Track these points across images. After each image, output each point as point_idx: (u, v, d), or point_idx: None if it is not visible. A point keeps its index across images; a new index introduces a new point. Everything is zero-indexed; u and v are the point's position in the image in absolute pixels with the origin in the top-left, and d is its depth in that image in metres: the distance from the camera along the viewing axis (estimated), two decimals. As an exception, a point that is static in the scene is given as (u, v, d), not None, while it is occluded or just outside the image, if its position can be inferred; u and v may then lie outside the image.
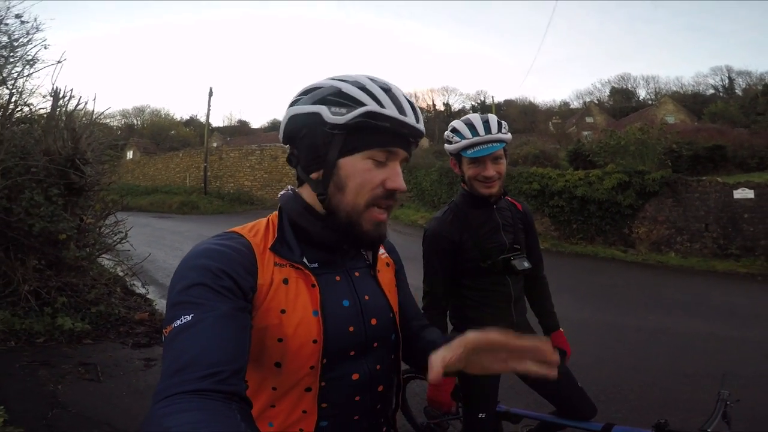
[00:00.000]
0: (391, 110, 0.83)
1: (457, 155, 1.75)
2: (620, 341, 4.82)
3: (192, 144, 36.51)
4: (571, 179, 11.14)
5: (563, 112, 49.82)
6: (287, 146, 0.93)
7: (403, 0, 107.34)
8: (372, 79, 0.87)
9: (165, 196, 22.66)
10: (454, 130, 1.73)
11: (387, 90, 0.85)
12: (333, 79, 0.88)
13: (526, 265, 1.77)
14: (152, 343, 4.24)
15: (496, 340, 0.79)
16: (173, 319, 0.69)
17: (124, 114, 54.05)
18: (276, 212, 0.93)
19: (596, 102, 50.23)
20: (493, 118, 1.70)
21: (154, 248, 8.92)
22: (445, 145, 1.79)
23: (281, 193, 0.95)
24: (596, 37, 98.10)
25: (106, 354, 3.92)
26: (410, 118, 0.85)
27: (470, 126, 1.68)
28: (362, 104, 0.82)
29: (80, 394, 3.18)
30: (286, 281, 0.83)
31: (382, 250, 1.04)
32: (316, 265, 0.88)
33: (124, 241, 5.40)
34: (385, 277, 1.01)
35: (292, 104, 0.89)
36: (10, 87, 4.93)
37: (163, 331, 0.70)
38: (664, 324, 5.37)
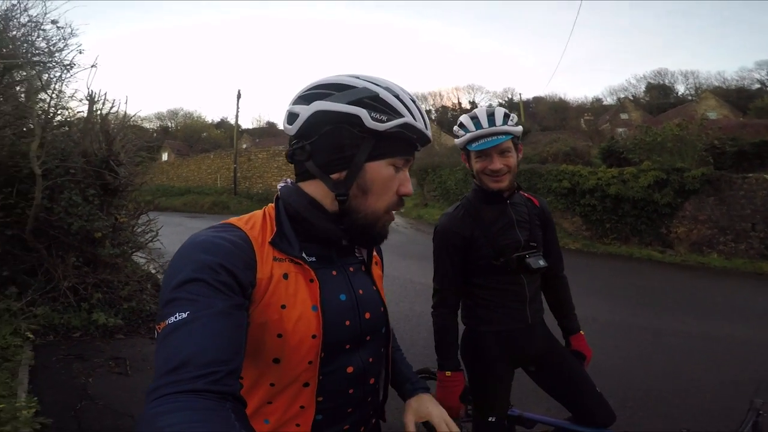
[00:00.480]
0: (420, 124, 0.87)
1: (465, 149, 1.72)
2: (654, 345, 4.61)
3: (223, 146, 37.46)
4: (604, 177, 10.76)
5: (596, 108, 48.58)
6: (293, 140, 0.89)
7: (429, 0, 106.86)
8: (401, 89, 0.89)
9: (197, 196, 23.33)
10: (461, 125, 1.71)
11: (414, 101, 0.89)
12: (362, 79, 0.87)
13: (542, 263, 1.69)
14: None
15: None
16: (167, 316, 0.67)
17: (159, 117, 56.11)
18: (272, 205, 0.91)
19: (631, 98, 48.73)
20: (499, 111, 1.66)
21: (186, 247, 9.17)
22: (454, 140, 1.77)
23: (280, 185, 0.94)
24: (630, 32, 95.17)
25: (135, 349, 4.05)
26: (429, 131, 0.91)
27: (475, 119, 1.66)
28: (401, 115, 0.85)
29: (109, 387, 3.30)
30: (285, 276, 0.82)
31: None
32: (313, 259, 0.87)
33: (155, 239, 5.57)
34: (376, 273, 1.02)
35: (317, 98, 0.85)
36: (50, 92, 5.16)
37: (156, 327, 0.69)
38: (703, 328, 5.11)
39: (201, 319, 0.66)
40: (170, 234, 7.29)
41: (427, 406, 1.06)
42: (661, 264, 9.34)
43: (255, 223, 0.86)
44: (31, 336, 3.82)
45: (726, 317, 5.59)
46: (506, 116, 1.64)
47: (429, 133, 0.90)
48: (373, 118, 0.82)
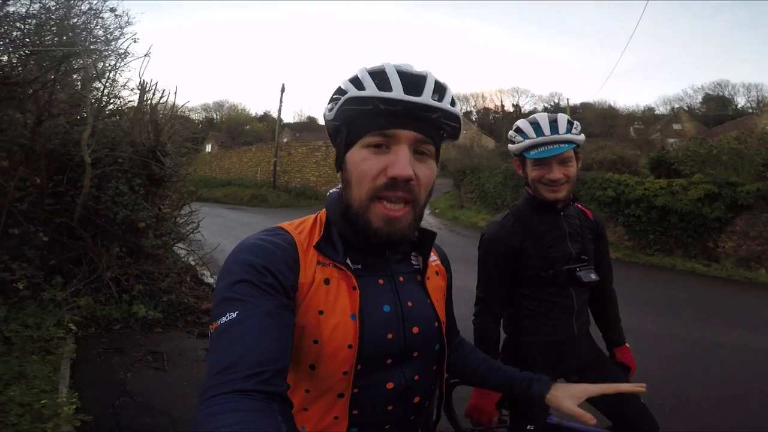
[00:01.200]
0: (370, 89, 0.77)
1: (521, 156, 1.63)
2: (694, 355, 4.46)
3: (264, 139, 38.30)
4: (651, 188, 10.32)
5: (647, 117, 46.60)
6: None
7: (477, 0, 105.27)
8: (370, 67, 0.82)
9: (238, 188, 23.90)
10: (518, 130, 1.63)
11: (377, 72, 0.80)
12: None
13: (593, 277, 1.64)
14: None
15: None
16: (219, 316, 0.69)
17: (205, 108, 57.91)
18: (324, 210, 0.91)
19: (686, 108, 46.38)
20: (562, 117, 1.57)
21: (224, 238, 9.34)
22: (510, 145, 1.69)
23: (330, 191, 0.93)
24: (690, 41, 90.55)
25: (173, 343, 4.08)
26: (396, 92, 0.76)
27: (535, 125, 1.56)
28: (345, 92, 0.80)
29: (146, 382, 3.33)
30: (327, 281, 0.81)
31: (434, 257, 0.99)
32: (359, 266, 0.85)
33: (196, 231, 5.64)
34: (435, 284, 0.96)
35: None
36: (104, 80, 5.28)
37: (210, 327, 0.71)
38: (747, 341, 4.88)
39: (250, 318, 0.68)
40: (210, 225, 7.49)
41: (575, 387, 0.99)
42: (705, 277, 8.97)
43: (305, 227, 0.87)
44: (74, 328, 3.87)
45: None
46: (570, 123, 1.56)
47: (392, 93, 0.76)
48: (329, 110, 0.84)
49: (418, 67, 0.83)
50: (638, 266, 9.74)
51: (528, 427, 1.64)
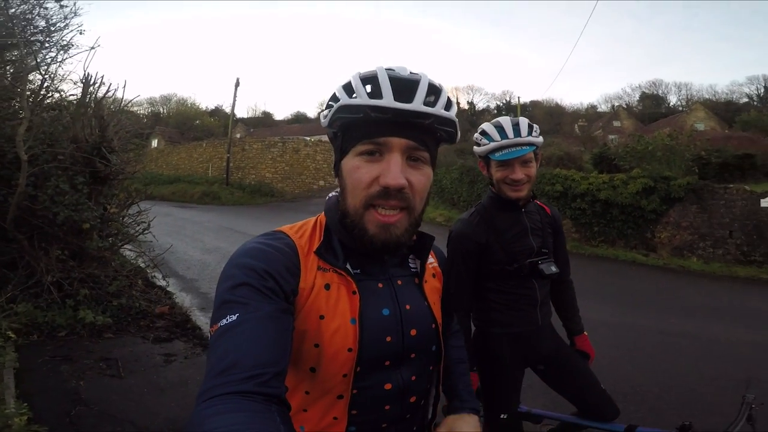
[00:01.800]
0: (361, 97, 0.77)
1: (486, 158, 1.74)
2: (639, 343, 4.77)
3: (216, 134, 37.07)
4: (595, 182, 11.04)
5: (590, 115, 49.15)
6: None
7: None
8: (366, 71, 0.81)
9: (187, 185, 23.05)
10: (483, 133, 1.72)
11: (370, 77, 0.79)
12: None
13: (554, 269, 1.76)
14: (172, 337, 4.23)
15: None
16: (220, 318, 0.70)
17: (152, 102, 55.18)
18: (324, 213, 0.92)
19: (625, 106, 49.37)
20: (524, 121, 1.68)
21: (175, 239, 9.04)
22: (474, 147, 1.79)
23: (330, 195, 0.94)
24: (629, 42, 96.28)
25: (126, 349, 3.91)
26: (386, 100, 0.75)
27: (499, 129, 1.67)
28: (338, 100, 0.80)
29: (102, 390, 3.19)
30: (327, 286, 0.82)
31: (431, 259, 1.01)
32: (359, 271, 0.86)
33: (146, 231, 5.36)
34: (432, 286, 0.97)
35: None
36: (43, 72, 4.92)
37: (210, 329, 0.71)
38: (685, 327, 5.30)
39: (249, 321, 0.69)
40: (159, 225, 7.16)
41: (463, 427, 0.96)
42: (645, 266, 9.69)
43: (305, 231, 0.87)
44: (13, 336, 3.60)
45: (705, 317, 5.84)
46: (530, 127, 1.67)
47: (383, 101, 0.75)
48: (323, 117, 0.84)
49: (412, 68, 0.84)
50: (585, 257, 10.33)
51: (501, 416, 1.75)
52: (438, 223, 13.38)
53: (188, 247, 9.20)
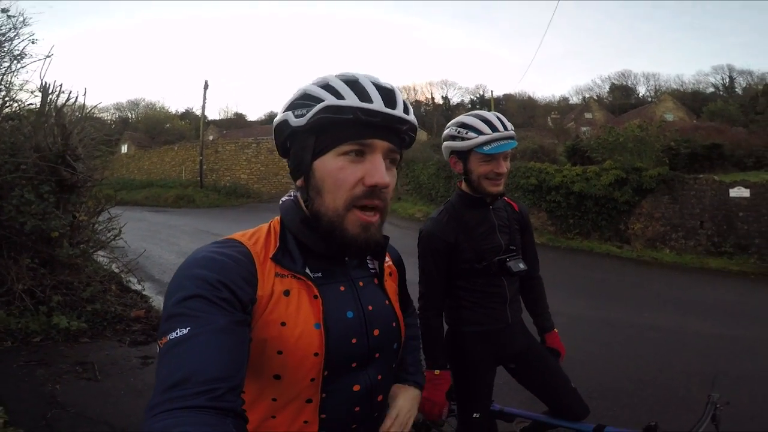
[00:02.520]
0: (351, 100, 0.78)
1: (465, 153, 1.68)
2: (613, 337, 4.85)
3: (187, 137, 36.35)
4: (569, 175, 11.18)
5: (562, 107, 49.88)
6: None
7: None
8: (341, 75, 0.83)
9: (160, 189, 22.51)
10: (465, 126, 1.66)
11: (352, 82, 0.81)
12: (312, 81, 0.86)
13: (522, 266, 1.75)
14: (149, 340, 4.22)
15: None
16: (168, 332, 0.66)
17: (119, 107, 53.78)
18: (278, 218, 0.91)
19: (596, 98, 50.34)
20: (500, 116, 1.69)
21: (149, 243, 8.86)
22: (453, 142, 1.70)
23: (282, 199, 0.93)
24: (597, 34, 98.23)
25: (103, 353, 3.88)
26: (377, 104, 0.79)
27: (486, 122, 1.64)
28: (321, 100, 0.80)
29: (79, 393, 3.17)
30: (287, 293, 0.80)
31: (387, 259, 1.01)
32: (319, 274, 0.85)
33: (118, 238, 5.33)
34: (390, 286, 0.99)
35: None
36: None
37: (158, 342, 0.68)
38: (657, 321, 5.40)
39: (202, 335, 0.66)
40: (133, 230, 7.03)
41: (401, 396, 1.00)
42: (619, 258, 9.86)
43: (259, 238, 0.85)
44: None
45: (677, 310, 5.95)
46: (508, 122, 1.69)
47: (373, 105, 0.79)
48: (296, 116, 0.82)
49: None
50: (560, 250, 10.49)
51: (474, 415, 1.75)
52: (417, 219, 13.44)
53: (163, 251, 9.01)
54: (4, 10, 4.97)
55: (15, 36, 5.08)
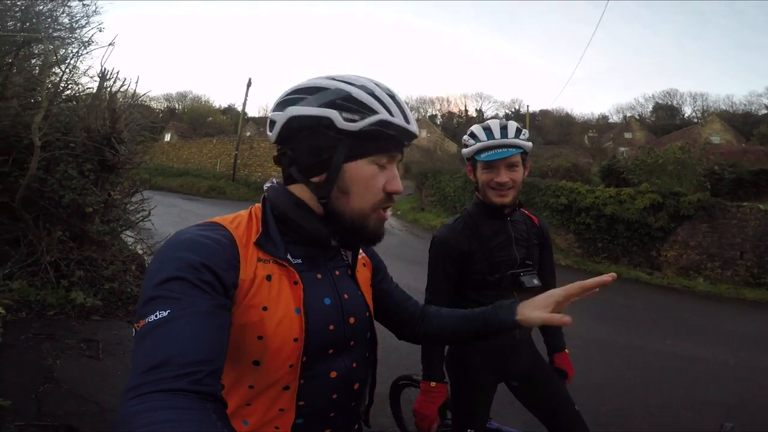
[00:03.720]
0: (399, 119, 0.85)
1: (472, 160, 1.70)
2: (632, 363, 4.68)
3: (226, 132, 37.32)
4: (601, 196, 10.77)
5: (601, 125, 48.57)
6: (277, 145, 0.92)
7: (447, 2, 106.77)
8: (377, 84, 0.87)
9: (195, 179, 23.22)
10: (471, 134, 1.69)
11: (393, 97, 0.86)
12: (336, 80, 0.87)
13: (536, 282, 1.68)
14: None
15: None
16: (147, 314, 0.65)
17: (168, 98, 56.06)
18: (258, 205, 0.91)
19: (637, 117, 48.67)
20: (512, 124, 1.66)
21: (176, 228, 9.01)
22: (463, 150, 1.74)
23: (266, 185, 0.94)
24: (641, 52, 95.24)
25: (111, 332, 3.91)
26: (413, 126, 0.87)
27: (487, 130, 1.64)
28: (374, 112, 0.83)
29: (77, 370, 3.18)
30: (269, 278, 0.81)
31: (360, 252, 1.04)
32: (299, 261, 0.87)
33: (146, 219, 5.49)
34: (362, 276, 1.01)
35: (291, 104, 0.86)
36: (63, 67, 5.17)
37: (135, 325, 0.67)
38: (683, 349, 5.18)
39: (183, 317, 0.65)
40: (163, 214, 7.25)
41: (537, 299, 1.00)
42: (648, 285, 9.44)
43: (240, 222, 0.86)
44: (2, 311, 3.66)
45: (706, 340, 5.68)
46: (518, 130, 1.64)
47: (412, 127, 0.87)
48: (345, 119, 0.82)
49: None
50: (586, 273, 10.05)
51: (468, 431, 1.70)
52: (440, 230, 13.28)
53: (189, 239, 9.25)
54: None
55: (86, 23, 5.42)
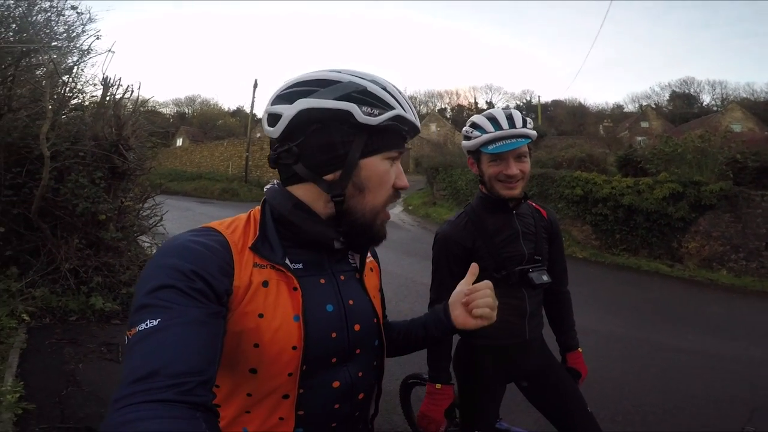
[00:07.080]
0: (410, 115, 0.85)
1: (476, 152, 1.61)
2: (651, 359, 4.53)
3: (236, 134, 37.72)
4: (618, 186, 10.50)
5: (616, 115, 47.78)
6: (276, 142, 0.85)
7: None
8: (384, 80, 0.87)
9: (208, 182, 23.50)
10: (474, 125, 1.60)
11: (400, 92, 0.87)
12: (344, 73, 0.83)
13: (545, 279, 1.62)
14: None
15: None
16: (138, 322, 0.64)
17: (177, 103, 56.79)
18: (258, 208, 0.87)
19: (653, 106, 47.72)
20: (517, 113, 1.57)
21: (191, 232, 9.20)
22: (464, 141, 1.64)
23: (267, 187, 0.90)
24: (656, 40, 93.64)
25: None
26: (418, 122, 0.88)
27: (492, 120, 1.55)
28: (391, 107, 0.83)
29: (98, 373, 3.26)
30: (265, 283, 0.78)
31: (368, 255, 1.00)
32: (300, 266, 0.83)
33: (159, 224, 5.59)
34: (371, 281, 0.97)
35: (300, 96, 0.81)
36: (67, 77, 5.25)
37: (127, 333, 0.65)
38: (705, 344, 4.98)
39: (173, 327, 0.63)
40: (178, 218, 7.33)
41: (455, 294, 1.04)
42: (668, 277, 9.14)
43: (238, 226, 0.82)
44: (27, 318, 3.81)
45: (729, 335, 5.46)
46: (524, 119, 1.56)
47: (418, 123, 0.89)
48: (364, 113, 0.80)
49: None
50: (604, 266, 9.87)
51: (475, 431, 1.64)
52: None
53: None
54: (74, 7, 5.34)
55: (83, 32, 5.51)
